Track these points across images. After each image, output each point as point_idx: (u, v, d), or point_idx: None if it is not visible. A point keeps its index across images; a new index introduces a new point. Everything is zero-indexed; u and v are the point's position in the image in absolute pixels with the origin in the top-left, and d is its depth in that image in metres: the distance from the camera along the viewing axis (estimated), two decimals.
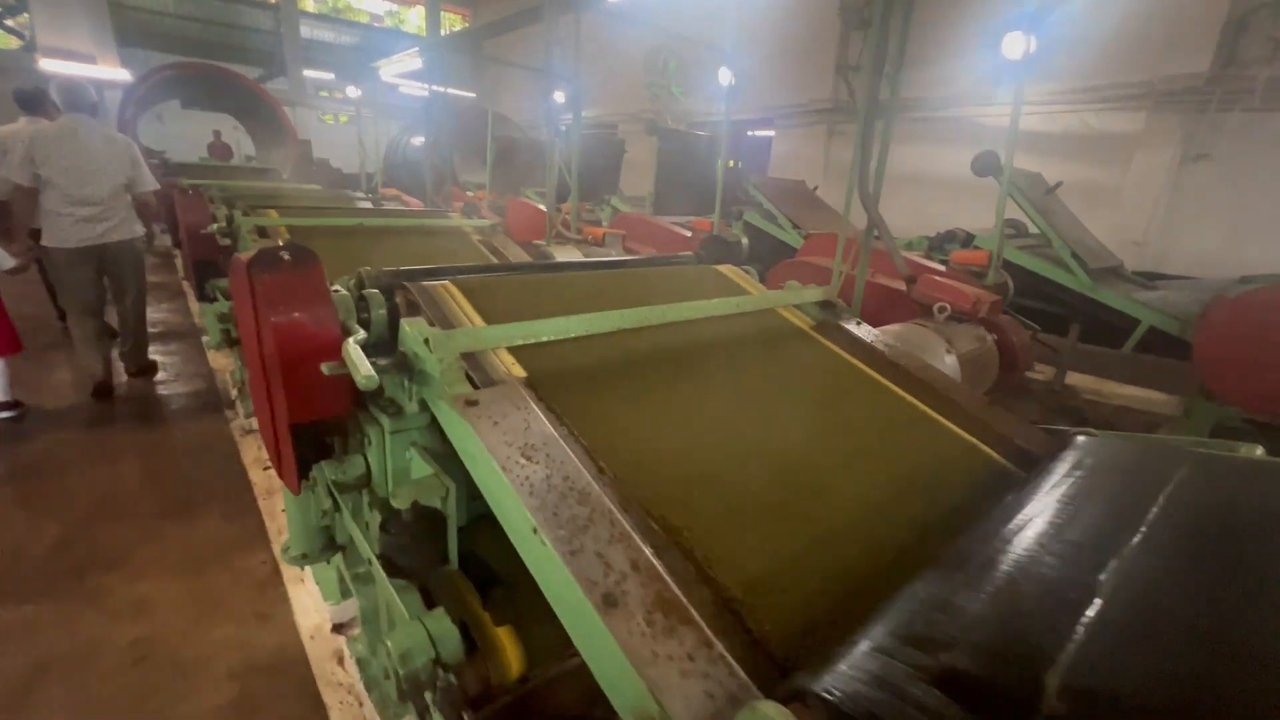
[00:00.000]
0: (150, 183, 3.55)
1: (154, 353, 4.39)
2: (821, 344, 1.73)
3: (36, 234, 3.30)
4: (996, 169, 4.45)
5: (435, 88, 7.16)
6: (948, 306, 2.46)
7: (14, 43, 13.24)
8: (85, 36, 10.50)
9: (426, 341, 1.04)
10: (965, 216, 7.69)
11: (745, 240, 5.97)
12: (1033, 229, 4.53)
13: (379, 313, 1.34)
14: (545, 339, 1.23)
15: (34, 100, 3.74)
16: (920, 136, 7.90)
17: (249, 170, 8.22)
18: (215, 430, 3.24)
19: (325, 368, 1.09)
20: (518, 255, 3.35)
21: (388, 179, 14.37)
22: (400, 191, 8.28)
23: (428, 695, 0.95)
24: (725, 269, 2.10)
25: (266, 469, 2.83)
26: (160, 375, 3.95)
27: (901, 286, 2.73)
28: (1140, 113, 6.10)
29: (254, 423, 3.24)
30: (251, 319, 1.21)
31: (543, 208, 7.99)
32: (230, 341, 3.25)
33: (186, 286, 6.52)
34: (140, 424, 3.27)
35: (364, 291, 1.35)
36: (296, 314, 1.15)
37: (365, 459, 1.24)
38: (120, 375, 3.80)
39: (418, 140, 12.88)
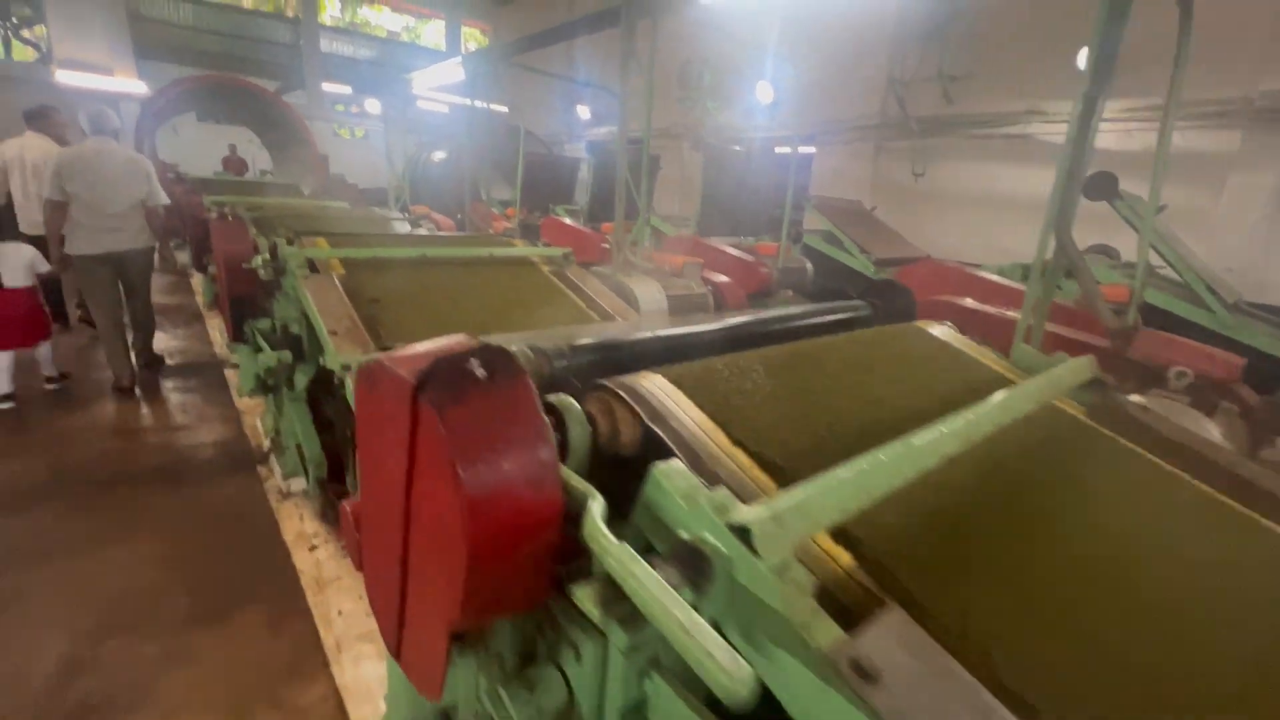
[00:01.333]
0: (161, 198, 3.95)
1: (172, 388, 3.94)
2: (1118, 442, 1.27)
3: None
4: (1112, 192, 3.99)
5: (477, 101, 6.76)
6: (1188, 373, 1.99)
7: (30, 54, 13.01)
8: (103, 48, 10.21)
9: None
10: (1018, 239, 7.27)
11: (809, 266, 5.52)
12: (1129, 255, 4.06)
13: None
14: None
15: (37, 116, 4.55)
16: (980, 154, 7.48)
17: (271, 186, 7.84)
18: (247, 493, 2.77)
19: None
20: (598, 291, 2.90)
21: (412, 195, 14.07)
22: (429, 209, 7.88)
23: None
24: (927, 325, 1.65)
25: (313, 549, 2.36)
26: (181, 419, 3.50)
27: (1091, 339, 2.26)
28: (1235, 131, 5.66)
29: (292, 485, 2.77)
30: (404, 466, 0.73)
31: (580, 226, 7.61)
32: (265, 388, 2.81)
33: (202, 307, 6.10)
34: (159, 484, 2.80)
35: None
36: (506, 469, 0.67)
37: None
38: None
39: (439, 155, 12.59)
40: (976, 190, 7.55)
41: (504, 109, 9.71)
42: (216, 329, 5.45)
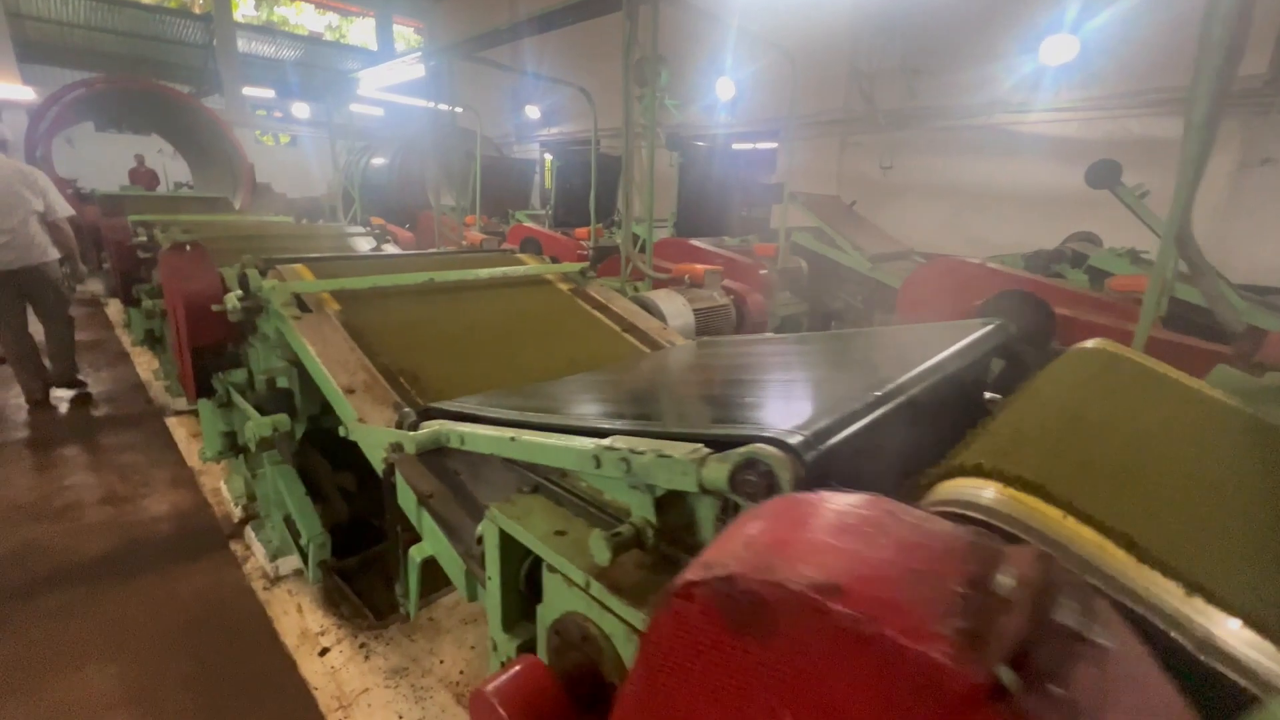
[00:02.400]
0: (64, 209, 3.88)
1: (106, 446, 3.32)
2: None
3: None
4: (1115, 181, 3.97)
5: (435, 103, 6.20)
6: None
7: None
8: None
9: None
10: (1009, 231, 7.38)
11: (805, 265, 5.32)
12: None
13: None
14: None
15: None
16: (947, 146, 7.54)
17: (195, 201, 6.99)
18: (223, 580, 2.26)
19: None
20: (629, 310, 2.56)
21: (350, 204, 13.16)
22: (383, 220, 7.23)
23: None
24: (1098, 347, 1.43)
25: (324, 652, 1.91)
26: (123, 487, 2.90)
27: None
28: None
29: (280, 566, 2.29)
30: None
31: (548, 231, 7.17)
32: (235, 450, 2.33)
33: (129, 345, 5.31)
34: (108, 579, 2.25)
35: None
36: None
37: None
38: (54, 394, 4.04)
39: (378, 161, 11.76)
40: (945, 182, 7.61)
41: (459, 110, 9.09)
42: (146, 368, 4.73)
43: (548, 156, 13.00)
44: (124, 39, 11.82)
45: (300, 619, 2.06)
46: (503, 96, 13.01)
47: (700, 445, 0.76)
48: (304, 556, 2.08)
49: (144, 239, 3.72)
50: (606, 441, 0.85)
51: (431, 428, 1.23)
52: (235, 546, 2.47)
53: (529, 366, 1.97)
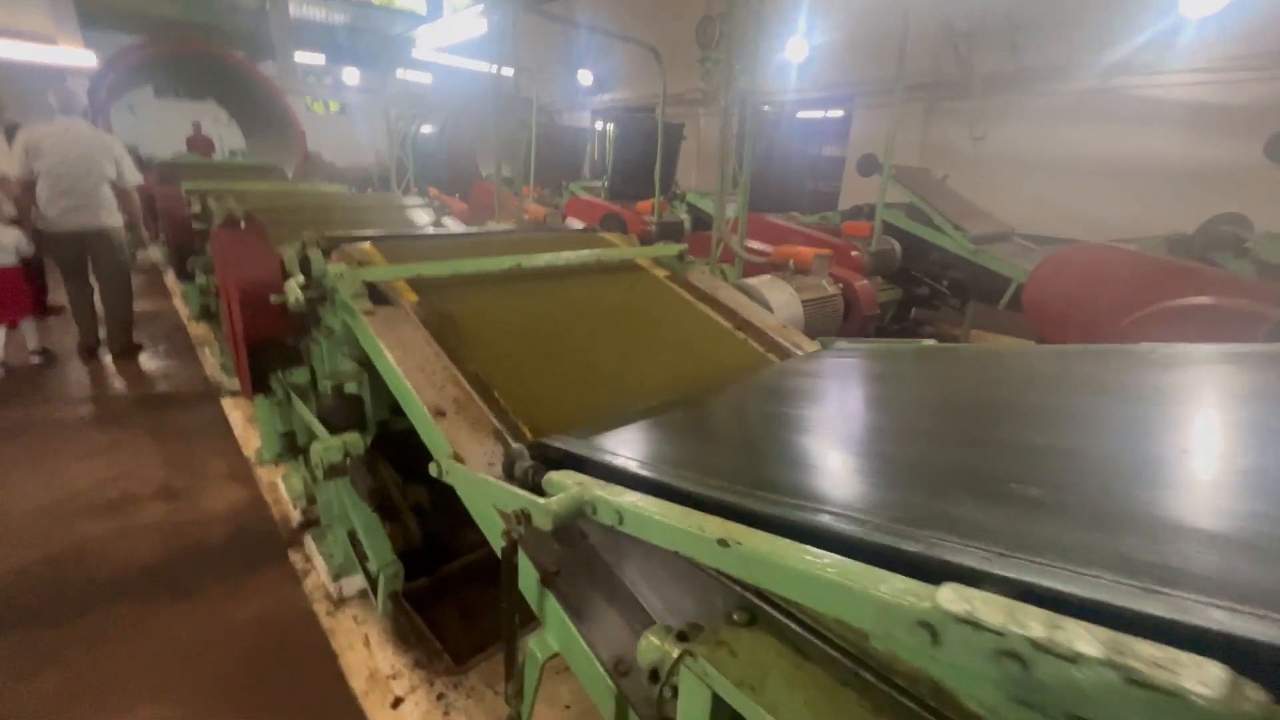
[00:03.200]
0: (134, 177, 4.06)
1: (160, 432, 3.15)
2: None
3: None
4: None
5: (494, 65, 5.81)
6: None
7: None
8: (44, 15, 8.95)
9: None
10: (1125, 212, 6.58)
11: (898, 247, 4.78)
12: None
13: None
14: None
15: None
16: (1053, 114, 6.74)
17: (250, 169, 6.84)
18: (283, 600, 2.02)
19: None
20: (738, 303, 2.16)
21: (403, 173, 13.02)
22: (436, 190, 6.96)
23: None
24: None
25: (398, 703, 1.63)
26: (177, 479, 2.71)
27: None
28: None
29: (344, 587, 2.03)
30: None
31: (608, 203, 6.75)
32: (294, 450, 2.07)
33: (186, 320, 5.21)
34: (160, 596, 2.03)
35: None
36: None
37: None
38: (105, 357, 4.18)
39: (427, 129, 11.48)
40: (1047, 154, 6.83)
41: (512, 73, 8.66)
42: (202, 343, 4.59)
43: (605, 125, 12.50)
44: (179, 4, 11.76)
45: (369, 656, 1.79)
46: (554, 61, 12.49)
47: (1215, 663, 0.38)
48: (372, 583, 1.81)
49: (198, 209, 3.50)
50: (957, 604, 0.47)
51: (565, 487, 0.88)
52: (294, 557, 2.23)
53: (640, 375, 1.60)
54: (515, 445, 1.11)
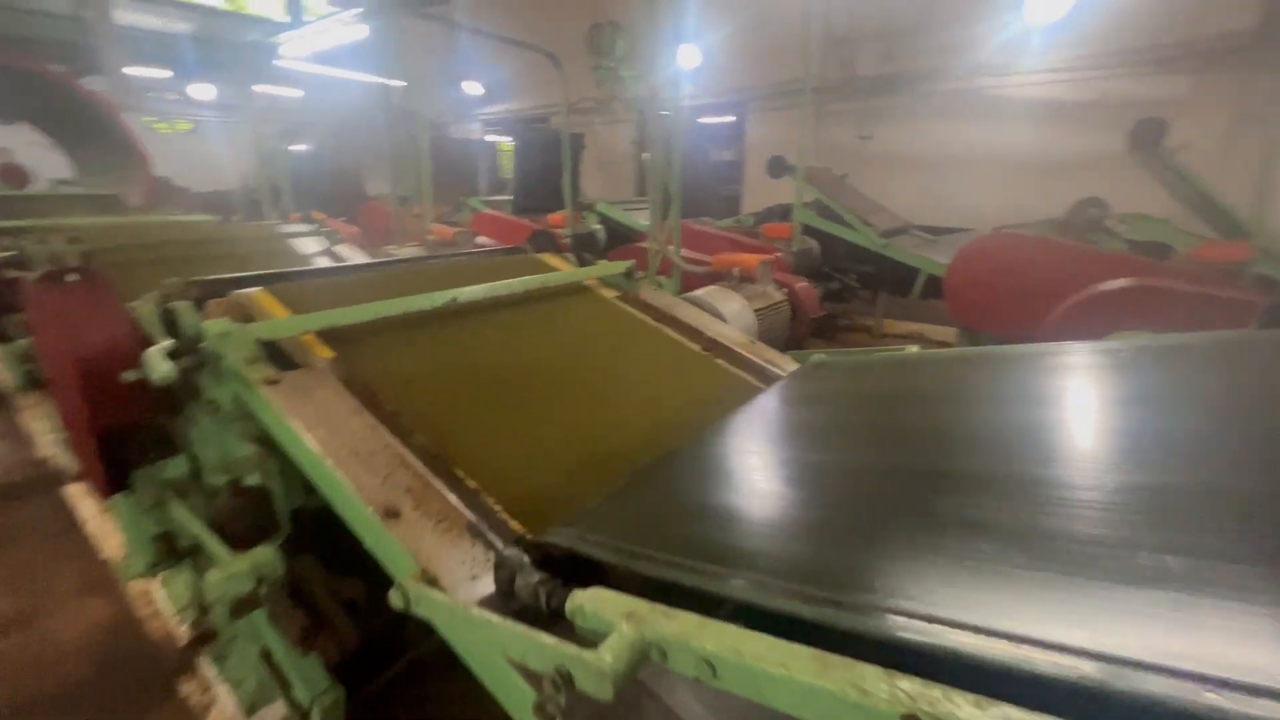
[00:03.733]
0: None
1: None
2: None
3: None
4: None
5: (365, 75, 5.27)
6: None
7: None
8: None
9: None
10: (999, 200, 7.16)
11: (816, 246, 4.85)
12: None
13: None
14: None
15: None
16: (929, 113, 7.24)
17: (80, 199, 5.79)
18: None
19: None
20: (696, 319, 2.00)
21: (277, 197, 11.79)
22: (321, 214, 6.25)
23: None
24: None
25: None
26: (19, 603, 2.10)
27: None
28: (1181, 76, 5.75)
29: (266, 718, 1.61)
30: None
31: (515, 218, 6.38)
32: (174, 554, 1.64)
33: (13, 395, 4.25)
34: None
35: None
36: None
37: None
38: None
39: (299, 147, 10.47)
40: (928, 151, 7.33)
41: (397, 85, 7.98)
42: (31, 416, 3.75)
43: (497, 139, 12.02)
44: None
45: None
46: (438, 71, 11.87)
47: None
48: (303, 716, 1.43)
49: (11, 254, 2.80)
50: None
51: (608, 621, 0.63)
52: (187, 687, 1.76)
53: (620, 422, 1.37)
54: (507, 550, 0.84)
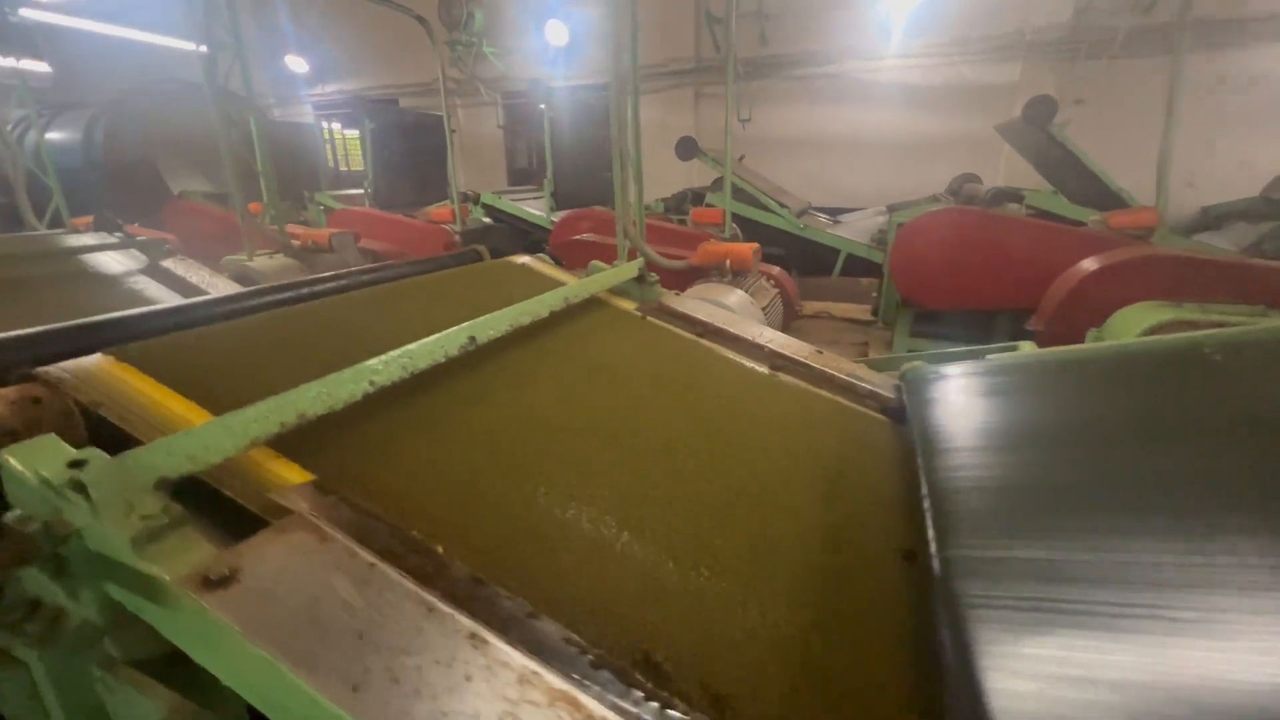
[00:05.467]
0: None
1: None
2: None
3: None
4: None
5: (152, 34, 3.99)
6: None
7: None
8: None
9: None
10: (875, 181, 7.53)
11: (739, 230, 4.64)
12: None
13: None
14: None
15: None
16: (805, 96, 7.43)
17: None
18: None
19: None
20: (739, 326, 1.62)
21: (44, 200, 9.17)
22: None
23: None
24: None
25: None
26: None
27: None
28: (1015, 63, 6.42)
29: None
30: None
31: (382, 212, 5.38)
32: None
33: None
34: None
35: None
36: None
37: None
38: None
39: (59, 135, 8.15)
40: (805, 134, 7.53)
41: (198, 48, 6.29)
42: None
43: (330, 125, 10.40)
44: None
45: None
46: (253, 41, 9.92)
47: None
48: None
49: None
50: None
51: None
52: None
53: (737, 492, 0.94)
54: None
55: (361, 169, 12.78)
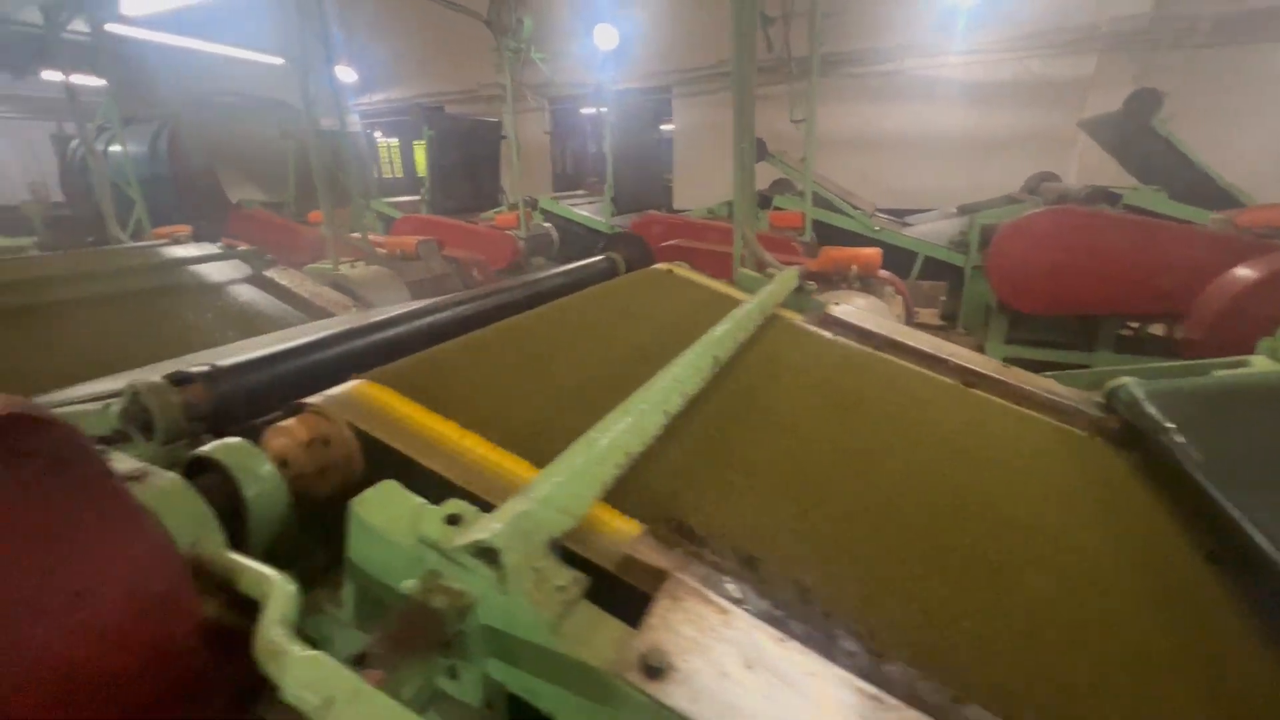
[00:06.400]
0: None
1: None
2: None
3: None
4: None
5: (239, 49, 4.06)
6: None
7: None
8: None
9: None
10: (923, 179, 7.34)
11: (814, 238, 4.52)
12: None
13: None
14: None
15: None
16: (860, 95, 7.25)
17: None
18: None
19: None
20: (924, 341, 1.51)
21: (76, 209, 9.43)
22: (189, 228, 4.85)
23: None
24: None
25: None
26: None
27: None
28: (1089, 56, 6.16)
29: None
30: None
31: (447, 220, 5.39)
32: None
33: None
34: None
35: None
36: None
37: None
38: None
39: (121, 148, 8.39)
40: (861, 133, 7.36)
41: (277, 60, 6.39)
42: None
43: (378, 135, 10.58)
44: None
45: None
46: (311, 51, 10.12)
47: None
48: None
49: None
50: None
51: None
52: None
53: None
54: None
55: (399, 175, 12.96)
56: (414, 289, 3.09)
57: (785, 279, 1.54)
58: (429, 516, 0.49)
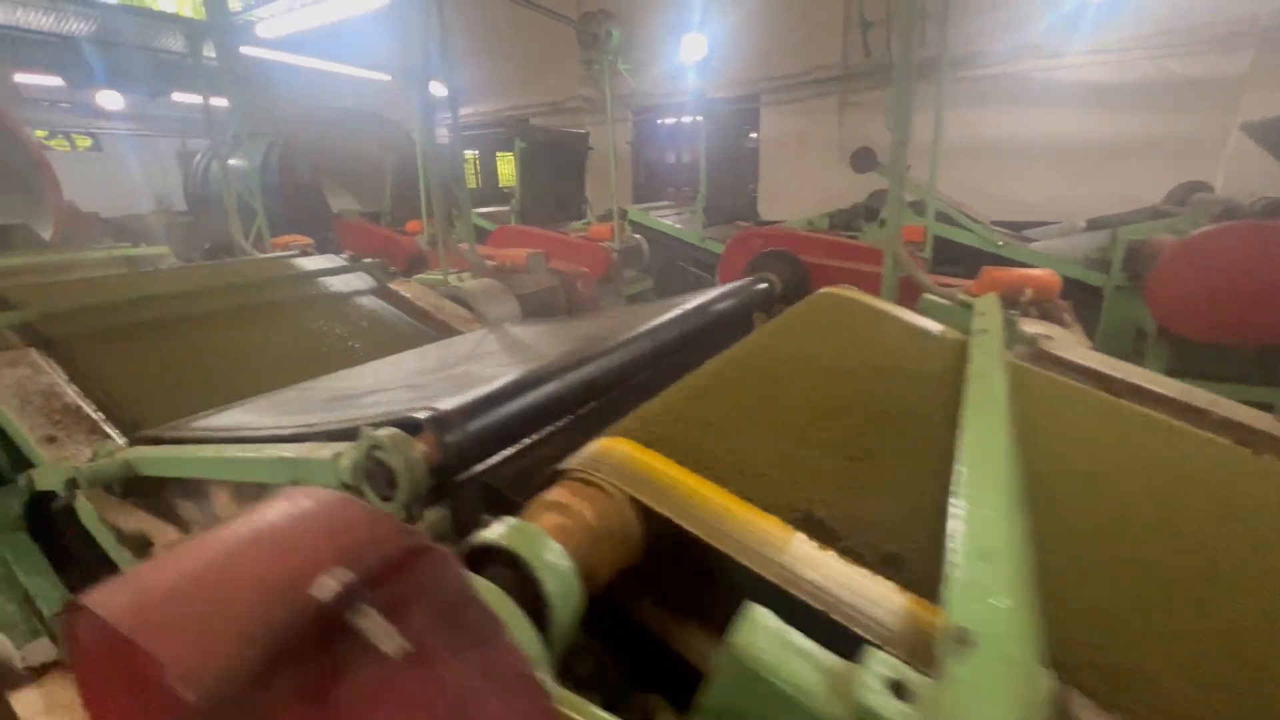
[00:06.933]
0: None
1: None
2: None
3: None
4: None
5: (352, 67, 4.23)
6: None
7: None
8: None
9: None
10: (1036, 189, 6.82)
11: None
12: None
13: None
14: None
15: None
16: (965, 99, 6.81)
17: None
18: None
19: None
20: (1112, 365, 1.25)
21: (196, 218, 10.18)
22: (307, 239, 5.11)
23: None
24: None
25: None
26: None
27: None
28: (1243, 53, 5.52)
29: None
30: None
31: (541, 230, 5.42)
32: None
33: None
34: None
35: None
36: None
37: None
38: None
39: (236, 162, 9.03)
40: (965, 140, 6.90)
41: (384, 76, 6.77)
42: None
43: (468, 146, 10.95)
44: None
45: None
46: (414, 67, 10.64)
47: None
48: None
49: None
50: None
51: None
52: None
53: None
54: None
55: (478, 187, 13.35)
56: (522, 302, 3.05)
57: (987, 309, 1.34)
58: (865, 682, 0.35)
